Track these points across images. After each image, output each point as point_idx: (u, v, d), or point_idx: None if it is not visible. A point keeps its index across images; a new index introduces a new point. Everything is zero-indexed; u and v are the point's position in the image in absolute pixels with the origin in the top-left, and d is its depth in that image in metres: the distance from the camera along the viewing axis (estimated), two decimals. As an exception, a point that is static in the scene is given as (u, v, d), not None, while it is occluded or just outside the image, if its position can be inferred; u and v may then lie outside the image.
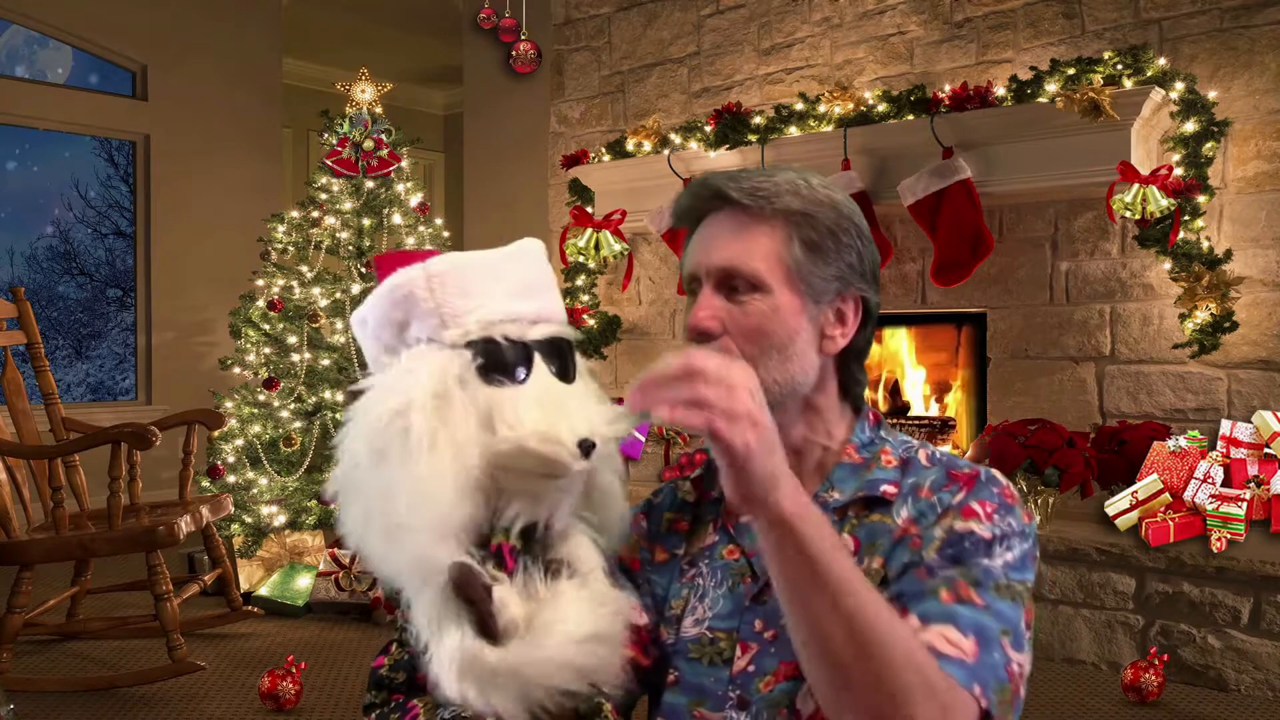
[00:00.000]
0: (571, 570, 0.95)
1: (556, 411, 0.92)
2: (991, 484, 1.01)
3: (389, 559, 0.88)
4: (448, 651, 0.86)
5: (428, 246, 4.44)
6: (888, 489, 1.03)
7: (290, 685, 2.86)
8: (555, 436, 0.90)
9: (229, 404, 4.19)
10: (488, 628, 0.87)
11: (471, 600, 0.87)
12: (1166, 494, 3.18)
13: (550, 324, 0.98)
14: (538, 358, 0.95)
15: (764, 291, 1.01)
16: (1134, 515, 3.18)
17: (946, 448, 4.11)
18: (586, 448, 0.91)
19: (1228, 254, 3.38)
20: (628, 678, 1.00)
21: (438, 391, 0.90)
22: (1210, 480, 3.13)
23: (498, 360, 0.92)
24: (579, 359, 1.02)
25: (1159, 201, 3.29)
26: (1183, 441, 3.27)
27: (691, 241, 1.07)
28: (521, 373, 0.93)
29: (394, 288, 0.94)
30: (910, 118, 3.81)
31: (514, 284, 0.98)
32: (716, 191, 1.04)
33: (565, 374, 0.97)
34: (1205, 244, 3.40)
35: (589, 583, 0.95)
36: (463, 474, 0.87)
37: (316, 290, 4.29)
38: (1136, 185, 3.30)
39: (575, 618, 0.90)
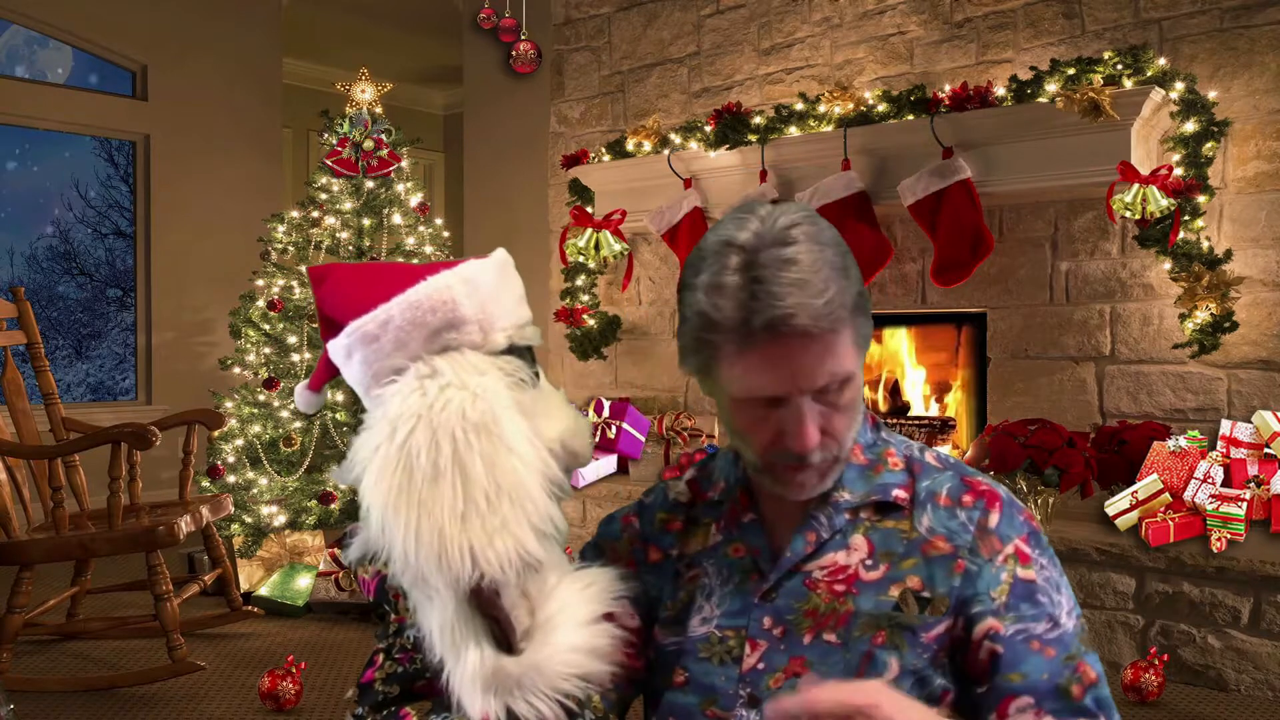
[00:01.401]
0: (543, 562, 0.98)
1: (567, 409, 0.99)
2: (1014, 507, 1.06)
3: (436, 568, 0.87)
4: (469, 670, 0.88)
5: (427, 247, 4.45)
6: (899, 493, 1.06)
7: (290, 685, 2.86)
8: (583, 431, 0.97)
9: (229, 404, 4.19)
10: (507, 641, 0.90)
11: (495, 617, 0.89)
12: (1166, 494, 3.18)
13: (532, 327, 1.03)
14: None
15: (850, 379, 1.00)
16: (1134, 515, 3.18)
17: (946, 448, 4.11)
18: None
19: (1228, 254, 3.38)
20: (619, 679, 1.01)
21: (516, 398, 0.93)
22: (1210, 480, 3.13)
23: (535, 365, 0.99)
24: None
25: (1159, 201, 3.29)
26: (1183, 441, 3.27)
27: (735, 364, 0.98)
28: (537, 374, 0.99)
29: (433, 293, 0.95)
30: (910, 118, 3.81)
31: (516, 292, 1.03)
32: (801, 329, 0.95)
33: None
34: (1205, 244, 3.40)
35: (565, 569, 0.98)
36: (547, 474, 0.92)
37: (316, 290, 4.28)
38: (1136, 185, 3.30)
39: (575, 604, 0.94)
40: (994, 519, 1.04)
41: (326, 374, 1.03)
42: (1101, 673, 1.00)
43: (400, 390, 0.93)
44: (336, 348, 0.98)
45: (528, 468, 0.89)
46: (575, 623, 0.91)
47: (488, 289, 0.98)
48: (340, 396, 4.23)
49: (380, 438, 0.91)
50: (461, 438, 0.88)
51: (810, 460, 1.00)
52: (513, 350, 0.96)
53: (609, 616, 0.98)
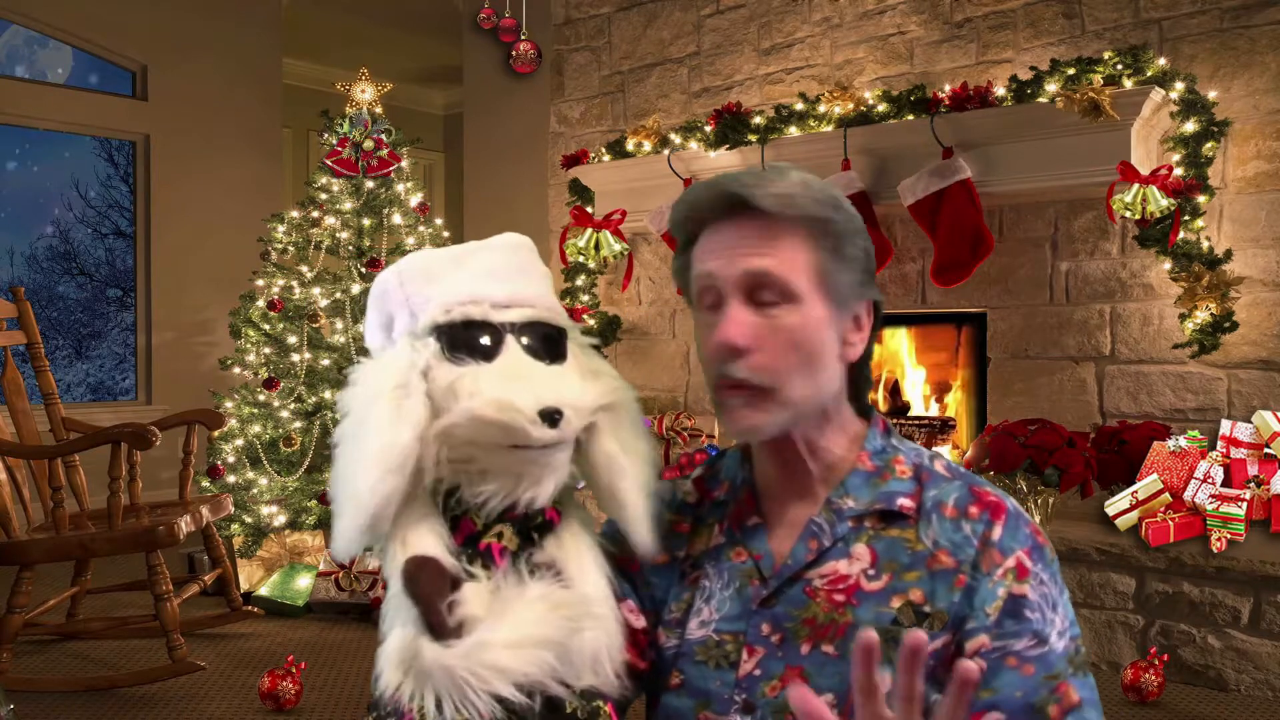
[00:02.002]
0: (554, 573, 0.95)
1: (520, 383, 0.92)
2: (1020, 520, 1.01)
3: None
4: (393, 644, 0.89)
5: (427, 247, 4.45)
6: (904, 502, 1.03)
7: (290, 685, 2.86)
8: (510, 404, 0.90)
9: (229, 404, 4.19)
10: (434, 625, 0.87)
11: (417, 595, 0.88)
12: (1166, 494, 3.18)
13: (529, 308, 0.99)
14: (510, 338, 0.95)
15: (795, 302, 0.98)
16: (1134, 515, 3.18)
17: (946, 448, 4.11)
18: (550, 416, 0.90)
19: (1228, 254, 3.38)
20: (624, 681, 1.00)
21: (399, 382, 0.93)
22: (1210, 480, 3.13)
23: (460, 339, 0.94)
24: (581, 347, 1.04)
25: (1159, 201, 3.29)
26: (1183, 441, 3.27)
27: (699, 248, 1.03)
28: (488, 350, 0.94)
29: (373, 291, 1.02)
30: (910, 118, 3.80)
31: (480, 269, 1.00)
32: (736, 196, 0.98)
33: (548, 356, 0.97)
34: (1205, 244, 3.40)
35: (567, 586, 0.95)
36: (388, 453, 0.90)
37: (316, 290, 4.29)
38: (1136, 185, 3.30)
39: (517, 621, 0.89)
40: (997, 531, 0.99)
41: None
42: (1091, 699, 0.95)
43: None
44: None
45: (373, 450, 0.90)
46: (503, 643, 0.87)
47: (425, 272, 1.00)
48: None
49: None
50: (344, 428, 0.94)
51: (734, 372, 0.97)
52: (437, 329, 0.95)
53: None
